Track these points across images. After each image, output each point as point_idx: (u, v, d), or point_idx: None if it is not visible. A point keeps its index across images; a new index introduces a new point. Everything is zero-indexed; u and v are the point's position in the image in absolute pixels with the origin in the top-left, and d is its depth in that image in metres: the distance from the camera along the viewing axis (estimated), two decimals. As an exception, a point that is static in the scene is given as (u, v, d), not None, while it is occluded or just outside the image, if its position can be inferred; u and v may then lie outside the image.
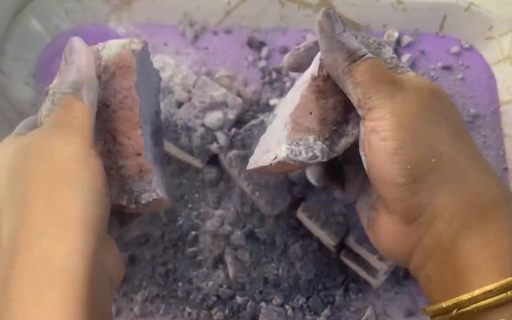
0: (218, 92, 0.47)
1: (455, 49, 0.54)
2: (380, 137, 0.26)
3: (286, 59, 0.35)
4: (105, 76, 0.33)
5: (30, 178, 0.25)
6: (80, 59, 0.30)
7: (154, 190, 0.31)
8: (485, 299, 0.23)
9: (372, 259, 0.41)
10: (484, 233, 0.24)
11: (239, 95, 0.49)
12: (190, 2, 0.54)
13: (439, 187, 0.25)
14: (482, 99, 0.52)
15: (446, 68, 0.53)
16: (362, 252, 0.41)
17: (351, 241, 0.42)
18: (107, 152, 0.31)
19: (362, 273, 0.42)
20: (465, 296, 0.23)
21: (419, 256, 0.27)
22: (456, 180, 0.26)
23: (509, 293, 0.22)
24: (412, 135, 0.26)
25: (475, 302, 0.23)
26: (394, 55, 0.31)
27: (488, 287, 0.23)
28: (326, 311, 0.42)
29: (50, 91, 0.29)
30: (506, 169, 0.49)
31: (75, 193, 0.25)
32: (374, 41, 0.32)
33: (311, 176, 0.41)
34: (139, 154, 0.31)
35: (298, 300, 0.43)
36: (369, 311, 0.43)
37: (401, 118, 0.26)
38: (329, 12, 0.29)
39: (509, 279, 0.22)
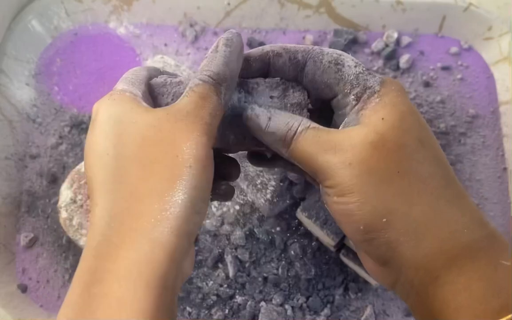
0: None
1: (454, 49, 0.54)
2: (332, 201, 0.26)
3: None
4: None
5: (149, 170, 0.24)
6: (232, 54, 0.28)
7: None
8: None
9: (372, 259, 0.41)
10: (453, 283, 0.24)
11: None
12: (190, 2, 0.54)
13: (397, 242, 0.25)
14: (481, 100, 0.52)
15: (446, 68, 0.53)
16: (362, 251, 0.41)
17: (351, 241, 0.42)
18: None
19: (362, 273, 0.43)
20: None
21: (400, 293, 0.27)
22: (414, 233, 0.25)
23: None
24: (358, 198, 0.25)
25: None
26: (356, 68, 0.28)
27: None
28: (326, 311, 0.43)
29: (186, 74, 0.27)
30: (505, 169, 0.49)
31: (188, 202, 0.23)
32: (325, 53, 0.29)
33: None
34: None
35: (298, 299, 0.43)
36: (368, 311, 0.43)
37: (344, 186, 0.25)
38: (249, 113, 0.28)
39: None
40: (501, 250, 0.24)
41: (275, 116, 0.27)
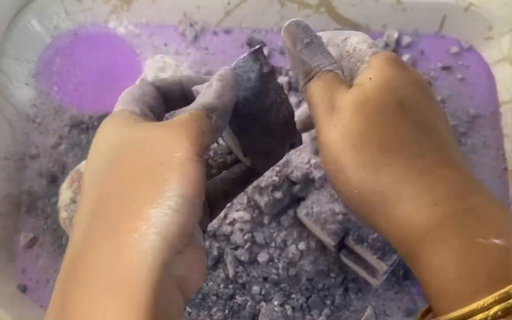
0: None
1: (454, 49, 0.54)
2: (321, 159, 0.27)
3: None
4: None
5: (122, 171, 0.24)
6: (224, 88, 0.28)
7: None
8: None
9: (372, 259, 0.41)
10: (429, 264, 0.23)
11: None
12: (190, 2, 0.54)
13: (370, 215, 0.25)
14: (482, 100, 0.52)
15: (446, 68, 0.53)
16: (362, 251, 0.41)
17: (351, 241, 0.42)
18: None
19: (362, 273, 0.42)
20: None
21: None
22: (383, 207, 0.24)
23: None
24: (335, 166, 0.25)
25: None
26: (358, 44, 0.28)
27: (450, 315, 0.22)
28: (326, 311, 0.42)
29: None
30: (505, 169, 0.49)
31: (159, 199, 0.23)
32: (342, 34, 0.30)
33: None
34: None
35: (298, 300, 0.43)
36: (368, 311, 0.43)
37: (328, 150, 0.26)
38: (290, 27, 0.28)
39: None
40: (482, 225, 0.22)
41: (311, 46, 0.28)
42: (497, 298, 0.20)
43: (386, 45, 0.54)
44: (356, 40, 0.28)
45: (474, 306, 0.21)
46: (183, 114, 0.26)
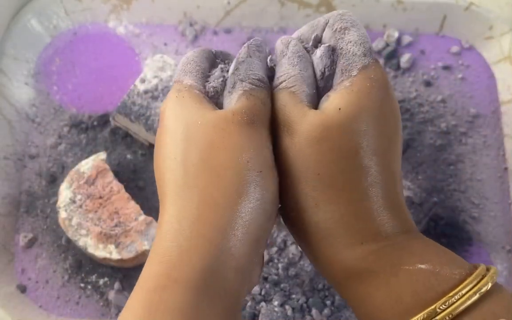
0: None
1: (455, 49, 0.54)
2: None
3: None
4: (91, 181, 0.45)
5: (219, 177, 0.23)
6: (265, 58, 0.28)
7: (152, 239, 0.42)
8: None
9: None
10: (356, 292, 0.24)
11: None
12: (190, 2, 0.53)
13: (304, 244, 0.26)
14: (482, 99, 0.52)
15: (446, 68, 0.53)
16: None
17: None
18: (119, 223, 0.44)
19: (362, 273, 0.42)
20: None
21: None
22: (315, 239, 0.25)
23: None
24: (283, 191, 0.26)
25: None
26: (354, 45, 0.26)
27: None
28: (326, 311, 0.42)
29: (233, 78, 0.26)
30: (506, 169, 0.49)
31: (260, 209, 0.23)
32: (345, 21, 0.27)
33: None
34: (140, 215, 0.44)
35: (298, 300, 0.43)
36: (369, 311, 0.43)
37: (279, 171, 0.26)
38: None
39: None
40: (407, 255, 0.23)
41: (284, 59, 0.27)
42: (425, 315, 0.21)
43: (386, 45, 0.53)
44: (354, 39, 0.26)
45: None
46: (251, 98, 0.25)
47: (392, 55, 0.53)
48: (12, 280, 0.45)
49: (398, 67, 0.53)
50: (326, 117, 0.24)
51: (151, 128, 0.46)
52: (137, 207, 0.44)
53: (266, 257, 0.44)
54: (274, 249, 0.45)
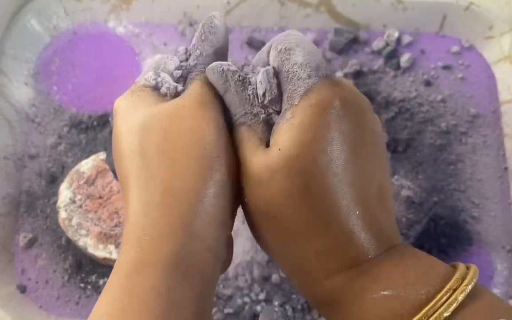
0: (217, 92, 0.47)
1: (455, 48, 0.54)
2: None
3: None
4: (91, 181, 0.45)
5: (178, 164, 0.23)
6: (218, 40, 0.28)
7: None
8: None
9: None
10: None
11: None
12: (189, 1, 0.53)
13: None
14: (482, 99, 0.52)
15: (446, 67, 0.53)
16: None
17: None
18: (119, 223, 0.44)
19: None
20: None
21: None
22: (288, 274, 0.26)
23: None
24: (253, 229, 0.27)
25: None
26: (300, 68, 0.24)
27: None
28: (326, 311, 0.42)
29: (189, 62, 0.27)
30: (506, 169, 0.49)
31: (221, 192, 0.24)
32: (290, 41, 0.25)
33: None
34: None
35: (298, 300, 0.43)
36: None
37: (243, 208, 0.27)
38: (208, 74, 0.26)
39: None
40: (372, 282, 0.23)
41: (227, 94, 0.26)
42: None
43: (386, 44, 0.53)
44: (299, 61, 0.24)
45: None
46: (199, 83, 0.26)
47: (392, 55, 0.53)
48: (12, 280, 0.45)
49: (398, 67, 0.53)
50: (268, 160, 0.23)
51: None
52: None
53: (265, 257, 0.44)
54: (274, 249, 0.45)
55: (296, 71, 0.24)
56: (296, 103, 0.23)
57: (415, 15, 0.53)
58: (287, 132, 0.23)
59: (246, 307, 0.42)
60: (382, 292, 0.22)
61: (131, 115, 0.25)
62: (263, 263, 0.44)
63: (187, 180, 0.23)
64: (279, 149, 0.23)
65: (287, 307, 0.43)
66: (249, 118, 0.25)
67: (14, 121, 0.50)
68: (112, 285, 0.22)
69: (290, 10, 0.54)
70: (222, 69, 0.26)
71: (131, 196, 0.24)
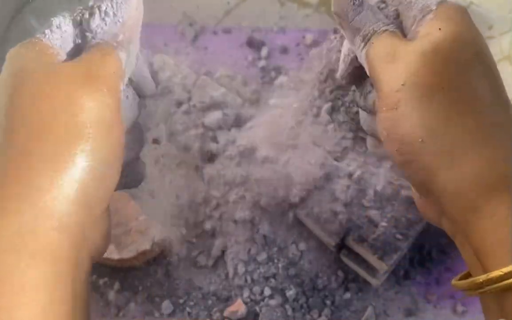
0: (217, 92, 0.47)
1: (455, 48, 0.54)
2: (380, 115, 0.26)
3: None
4: None
5: (43, 129, 0.21)
6: (127, 12, 0.26)
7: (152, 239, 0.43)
8: (501, 281, 0.21)
9: (372, 259, 0.41)
10: (493, 215, 0.22)
11: (238, 95, 0.49)
12: (189, 2, 0.53)
13: (432, 166, 0.24)
14: (482, 99, 0.52)
15: (446, 67, 0.53)
16: (362, 251, 0.41)
17: (351, 241, 0.42)
18: (119, 223, 0.44)
19: (362, 273, 0.42)
20: (481, 278, 0.22)
21: (447, 229, 0.26)
22: (449, 157, 0.23)
23: None
24: (400, 114, 0.24)
25: (492, 284, 0.21)
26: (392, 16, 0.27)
27: (505, 269, 0.21)
28: (326, 311, 0.42)
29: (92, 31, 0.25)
30: (506, 169, 0.49)
31: (87, 168, 0.22)
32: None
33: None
34: (140, 215, 0.44)
35: (298, 300, 0.43)
36: (369, 311, 0.43)
37: (390, 99, 0.25)
38: (339, 0, 0.27)
39: None
40: None
41: (362, 12, 0.27)
42: None
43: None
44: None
45: None
46: (92, 51, 0.24)
47: (392, 55, 0.53)
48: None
49: (398, 67, 0.53)
50: (431, 37, 0.24)
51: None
52: (137, 207, 0.44)
53: (265, 257, 0.44)
54: (274, 249, 0.45)
55: None
56: (433, 8, 0.25)
57: (415, 15, 0.53)
58: (439, 21, 0.25)
59: (246, 307, 0.42)
60: None
61: (9, 65, 0.24)
62: (263, 263, 0.44)
63: (46, 148, 0.21)
64: (439, 28, 0.24)
65: (287, 307, 0.43)
66: (389, 25, 0.26)
67: (14, 122, 0.50)
68: None
69: (290, 10, 0.54)
70: None
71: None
